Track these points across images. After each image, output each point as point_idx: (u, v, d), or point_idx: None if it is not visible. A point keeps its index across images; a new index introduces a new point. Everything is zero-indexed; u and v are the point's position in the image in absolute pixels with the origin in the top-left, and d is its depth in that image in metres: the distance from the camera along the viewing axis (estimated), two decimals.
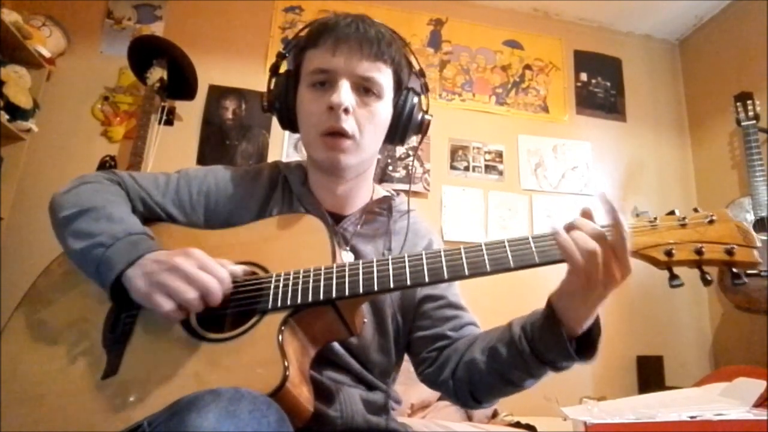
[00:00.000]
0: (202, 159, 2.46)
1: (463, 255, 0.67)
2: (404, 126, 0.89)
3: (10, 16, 2.09)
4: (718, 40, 2.88)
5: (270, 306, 0.68)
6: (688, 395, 1.36)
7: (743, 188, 2.46)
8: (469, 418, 1.96)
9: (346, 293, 0.68)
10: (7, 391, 0.70)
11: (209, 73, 2.51)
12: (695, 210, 0.65)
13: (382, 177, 2.55)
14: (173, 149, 2.41)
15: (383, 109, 0.85)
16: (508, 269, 0.66)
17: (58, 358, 0.72)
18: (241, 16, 2.66)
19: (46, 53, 2.27)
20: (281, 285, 0.70)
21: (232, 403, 0.51)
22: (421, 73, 0.90)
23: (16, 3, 2.29)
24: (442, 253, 0.69)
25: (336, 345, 0.82)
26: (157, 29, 2.57)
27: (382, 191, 0.99)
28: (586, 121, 2.94)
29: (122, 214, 0.78)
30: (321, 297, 0.68)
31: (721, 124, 2.73)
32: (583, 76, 3.01)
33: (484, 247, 0.67)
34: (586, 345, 0.70)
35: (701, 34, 3.03)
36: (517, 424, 1.85)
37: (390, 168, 2.59)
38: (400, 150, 2.61)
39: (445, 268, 0.67)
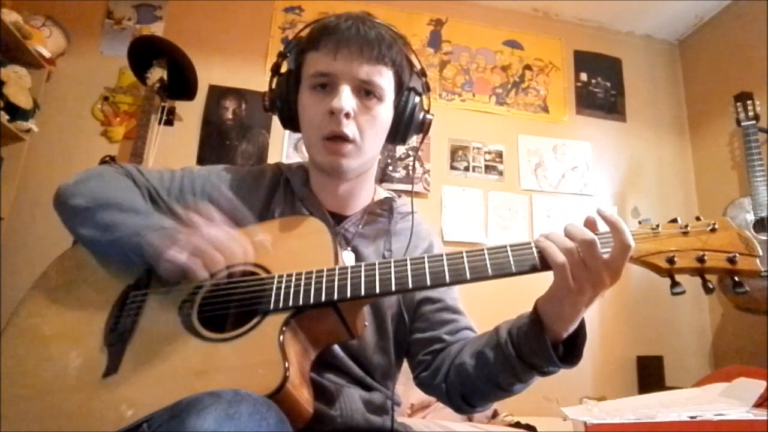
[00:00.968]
0: (202, 159, 2.46)
1: (465, 259, 0.67)
2: (406, 126, 0.89)
3: (10, 16, 2.09)
4: (718, 40, 2.88)
5: (272, 307, 0.68)
6: (688, 395, 1.36)
7: (743, 188, 2.46)
8: (469, 419, 1.96)
9: (348, 295, 0.68)
10: (7, 390, 0.70)
11: (209, 73, 2.51)
12: (697, 218, 0.65)
13: (382, 177, 2.55)
14: (173, 149, 2.41)
15: (384, 112, 0.85)
16: (510, 274, 0.66)
17: (58, 356, 0.72)
18: (241, 16, 2.66)
19: (46, 53, 2.27)
20: (283, 286, 0.70)
21: (232, 405, 0.51)
22: (423, 73, 0.89)
23: (16, 3, 2.29)
24: (444, 257, 0.69)
25: (336, 348, 0.82)
26: (157, 29, 2.57)
27: (383, 192, 0.99)
28: (586, 121, 2.94)
29: (142, 204, 0.79)
30: (323, 299, 0.68)
31: (721, 124, 2.73)
32: (583, 76, 3.01)
33: (486, 251, 0.67)
34: (572, 348, 0.70)
35: (701, 34, 3.03)
36: (517, 424, 1.85)
37: (390, 168, 2.59)
38: (400, 150, 2.61)
39: (447, 272, 0.67)
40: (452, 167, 2.69)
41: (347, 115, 0.80)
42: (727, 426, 1.03)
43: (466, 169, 2.71)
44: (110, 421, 0.62)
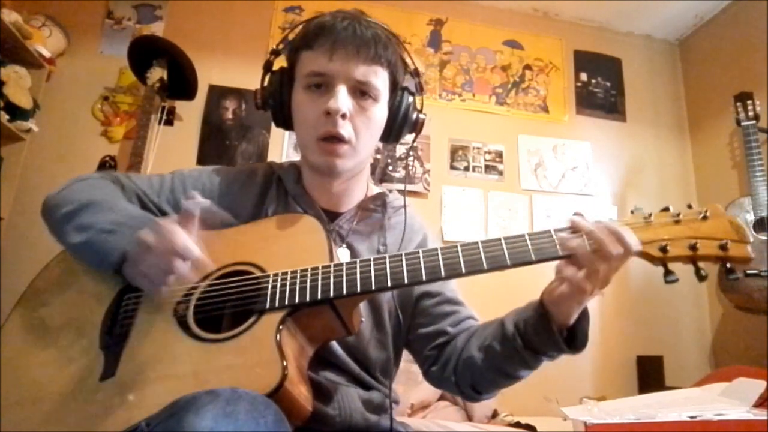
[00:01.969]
0: (202, 159, 2.46)
1: (460, 253, 0.68)
2: (399, 126, 0.89)
3: (10, 16, 2.09)
4: (718, 40, 2.88)
5: (268, 306, 0.68)
6: (688, 395, 1.36)
7: (743, 188, 2.46)
8: (469, 418, 1.96)
9: (344, 292, 0.68)
10: (5, 392, 0.70)
11: (209, 73, 2.52)
12: (689, 206, 0.66)
13: (382, 177, 2.55)
14: (173, 149, 2.41)
15: (379, 112, 0.85)
16: (505, 266, 0.66)
17: (56, 359, 0.72)
18: (241, 16, 2.66)
19: (46, 53, 2.27)
20: (279, 285, 0.70)
21: (230, 403, 0.51)
22: (416, 73, 0.89)
23: (16, 3, 2.29)
24: (439, 251, 0.69)
25: (334, 344, 0.82)
26: (157, 29, 2.57)
27: (375, 188, 0.99)
28: (586, 121, 2.94)
29: (122, 204, 0.80)
30: (319, 296, 0.68)
31: (721, 124, 2.72)
32: (583, 76, 3.01)
33: (480, 244, 0.68)
34: (577, 333, 0.72)
35: (701, 34, 3.02)
36: (517, 424, 1.84)
37: (390, 168, 2.59)
38: (400, 150, 2.61)
39: (442, 266, 0.68)
40: (452, 167, 2.69)
41: (343, 116, 0.80)
42: (727, 426, 1.02)
43: (466, 169, 2.71)
44: (108, 424, 0.62)
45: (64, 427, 0.64)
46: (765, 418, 1.00)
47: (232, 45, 2.62)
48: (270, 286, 0.70)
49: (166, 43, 2.30)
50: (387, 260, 0.70)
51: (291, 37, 0.87)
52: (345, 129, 0.80)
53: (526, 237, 0.67)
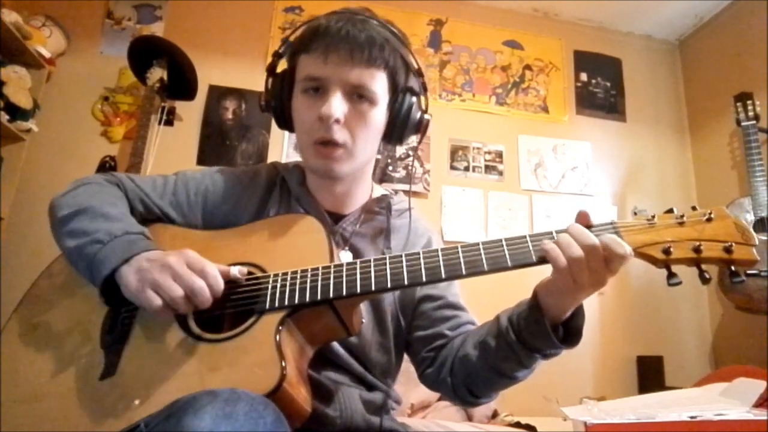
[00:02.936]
0: (202, 159, 2.46)
1: (461, 254, 0.67)
2: (401, 128, 0.87)
3: (10, 16, 2.09)
4: (718, 40, 2.88)
5: (268, 306, 0.68)
6: (688, 395, 1.36)
7: (743, 188, 2.46)
8: (469, 418, 1.95)
9: (344, 293, 0.68)
10: (6, 391, 0.70)
11: (209, 73, 2.51)
12: (693, 208, 0.65)
13: (382, 177, 2.55)
14: (173, 149, 2.41)
15: (377, 115, 0.83)
16: (506, 268, 0.66)
17: (57, 358, 0.72)
18: (241, 16, 2.66)
19: (46, 53, 2.27)
20: (279, 285, 0.70)
21: (229, 404, 0.51)
22: (419, 73, 0.88)
23: (16, 3, 2.29)
24: (440, 252, 0.68)
25: (335, 344, 0.82)
26: (157, 29, 2.57)
27: (380, 190, 0.98)
28: (586, 121, 2.94)
29: (120, 213, 0.79)
30: (319, 297, 0.68)
31: (721, 124, 2.72)
32: (583, 76, 3.01)
33: (481, 246, 0.67)
34: (572, 329, 0.71)
35: (701, 34, 3.02)
36: (517, 424, 1.84)
37: (390, 168, 2.59)
38: (400, 150, 2.61)
39: (442, 268, 0.67)
40: (452, 167, 2.69)
41: (337, 121, 0.79)
42: (727, 426, 1.02)
43: (466, 169, 2.71)
44: (107, 423, 0.63)
45: (64, 426, 0.65)
46: (765, 418, 1.00)
47: (232, 45, 2.61)
48: (270, 287, 0.70)
49: (166, 43, 2.30)
50: (387, 261, 0.69)
51: (291, 39, 0.87)
52: (339, 134, 0.80)
53: (528, 238, 0.66)
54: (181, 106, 2.47)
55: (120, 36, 2.53)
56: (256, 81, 2.56)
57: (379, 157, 2.58)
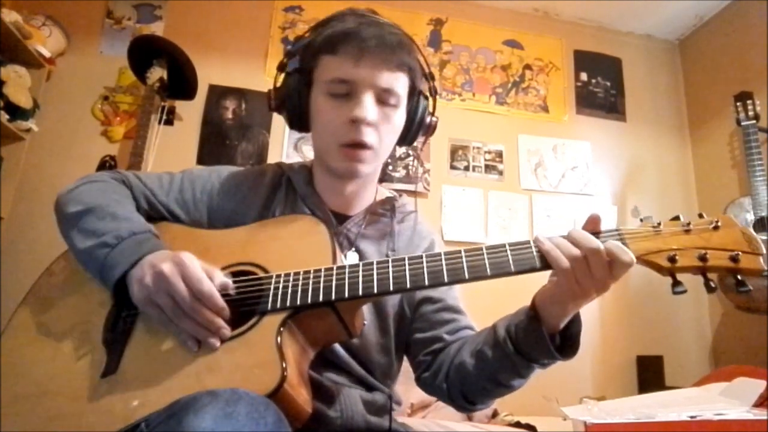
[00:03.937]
0: (202, 159, 2.45)
1: (464, 258, 0.67)
2: (415, 130, 0.90)
3: (10, 16, 2.08)
4: (718, 40, 2.88)
5: (269, 307, 0.68)
6: (688, 395, 1.36)
7: (743, 188, 2.46)
8: (469, 418, 1.95)
9: (346, 295, 0.68)
10: (7, 390, 0.70)
11: (209, 73, 2.51)
12: (700, 215, 0.64)
13: (382, 177, 2.54)
14: (173, 149, 2.41)
15: (400, 118, 0.86)
16: (509, 273, 0.65)
17: (58, 356, 0.72)
18: (241, 16, 2.66)
19: (46, 53, 2.27)
20: (281, 286, 0.70)
21: (230, 404, 0.51)
22: (431, 77, 0.90)
23: (16, 3, 2.29)
24: (443, 256, 0.68)
25: (337, 346, 0.82)
26: (157, 29, 2.57)
27: (385, 192, 0.99)
28: (586, 120, 2.94)
29: (127, 212, 0.79)
30: (320, 298, 0.68)
31: (721, 124, 2.72)
32: (583, 76, 3.01)
33: (485, 250, 0.67)
34: (568, 337, 0.71)
35: (701, 34, 3.02)
36: (517, 424, 1.84)
37: (390, 168, 2.59)
38: (400, 150, 2.61)
39: (445, 271, 0.67)
40: (452, 167, 2.69)
41: (369, 124, 0.79)
42: (727, 426, 1.02)
43: (466, 168, 2.71)
44: (108, 422, 0.62)
45: (65, 423, 0.64)
46: (765, 418, 1.00)
47: (232, 45, 2.61)
48: (272, 287, 0.70)
49: (166, 42, 2.30)
50: (390, 264, 0.69)
51: (308, 37, 0.85)
52: (370, 136, 0.80)
53: (531, 243, 0.66)
54: (181, 105, 2.47)
55: (120, 35, 2.53)
56: (256, 81, 2.56)
57: None
